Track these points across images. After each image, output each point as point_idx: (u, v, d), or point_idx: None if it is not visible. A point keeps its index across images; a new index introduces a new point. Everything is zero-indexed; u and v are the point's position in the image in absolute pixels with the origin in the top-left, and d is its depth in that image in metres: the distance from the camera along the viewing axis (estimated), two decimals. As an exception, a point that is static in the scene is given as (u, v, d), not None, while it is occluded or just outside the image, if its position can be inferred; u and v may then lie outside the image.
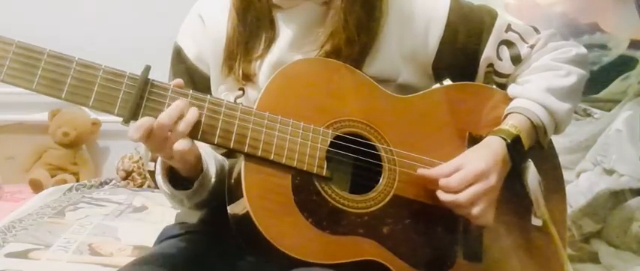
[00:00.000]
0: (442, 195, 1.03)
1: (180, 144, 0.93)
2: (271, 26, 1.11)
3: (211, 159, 1.06)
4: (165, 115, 0.92)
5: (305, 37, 1.10)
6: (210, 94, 1.12)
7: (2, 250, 1.65)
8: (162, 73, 1.05)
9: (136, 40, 2.61)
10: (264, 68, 1.11)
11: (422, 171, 1.05)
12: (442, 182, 1.02)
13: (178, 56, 1.18)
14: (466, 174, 1.02)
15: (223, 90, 1.13)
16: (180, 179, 1.04)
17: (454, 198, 1.02)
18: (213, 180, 1.04)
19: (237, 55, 1.10)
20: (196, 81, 1.16)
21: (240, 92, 1.12)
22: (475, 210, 1.02)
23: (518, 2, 2.01)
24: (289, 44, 1.10)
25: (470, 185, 1.01)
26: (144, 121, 0.91)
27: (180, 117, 0.93)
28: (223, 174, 1.07)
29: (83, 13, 2.78)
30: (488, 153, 1.05)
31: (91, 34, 2.69)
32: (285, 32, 1.11)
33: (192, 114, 0.94)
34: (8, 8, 2.72)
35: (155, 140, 0.92)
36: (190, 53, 1.17)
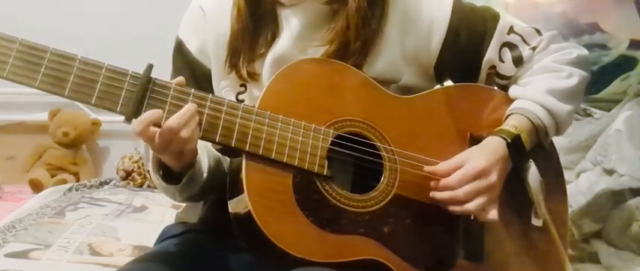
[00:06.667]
0: (438, 194, 1.03)
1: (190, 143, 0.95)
2: (274, 22, 1.11)
3: (204, 154, 1.05)
4: (175, 119, 0.92)
5: (307, 34, 1.10)
6: (212, 90, 1.13)
7: (2, 250, 1.65)
8: (163, 70, 1.05)
9: (138, 39, 2.62)
10: (266, 64, 1.10)
11: (428, 168, 1.05)
12: (443, 181, 1.02)
13: (180, 50, 1.18)
14: (466, 172, 1.02)
15: (225, 86, 1.13)
16: (174, 173, 1.03)
17: (452, 194, 1.02)
18: (205, 175, 1.04)
19: (241, 53, 1.10)
20: (198, 75, 1.15)
21: (242, 88, 1.12)
22: (473, 206, 1.02)
23: (518, 2, 2.00)
24: (292, 41, 1.10)
25: (470, 182, 1.02)
26: (148, 115, 0.92)
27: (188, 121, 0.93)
28: (218, 169, 1.07)
29: (86, 11, 2.79)
30: (488, 152, 1.05)
31: (93, 32, 2.69)
32: (288, 29, 1.11)
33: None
34: (11, 6, 2.73)
35: (162, 142, 0.93)
36: (192, 47, 1.16)
